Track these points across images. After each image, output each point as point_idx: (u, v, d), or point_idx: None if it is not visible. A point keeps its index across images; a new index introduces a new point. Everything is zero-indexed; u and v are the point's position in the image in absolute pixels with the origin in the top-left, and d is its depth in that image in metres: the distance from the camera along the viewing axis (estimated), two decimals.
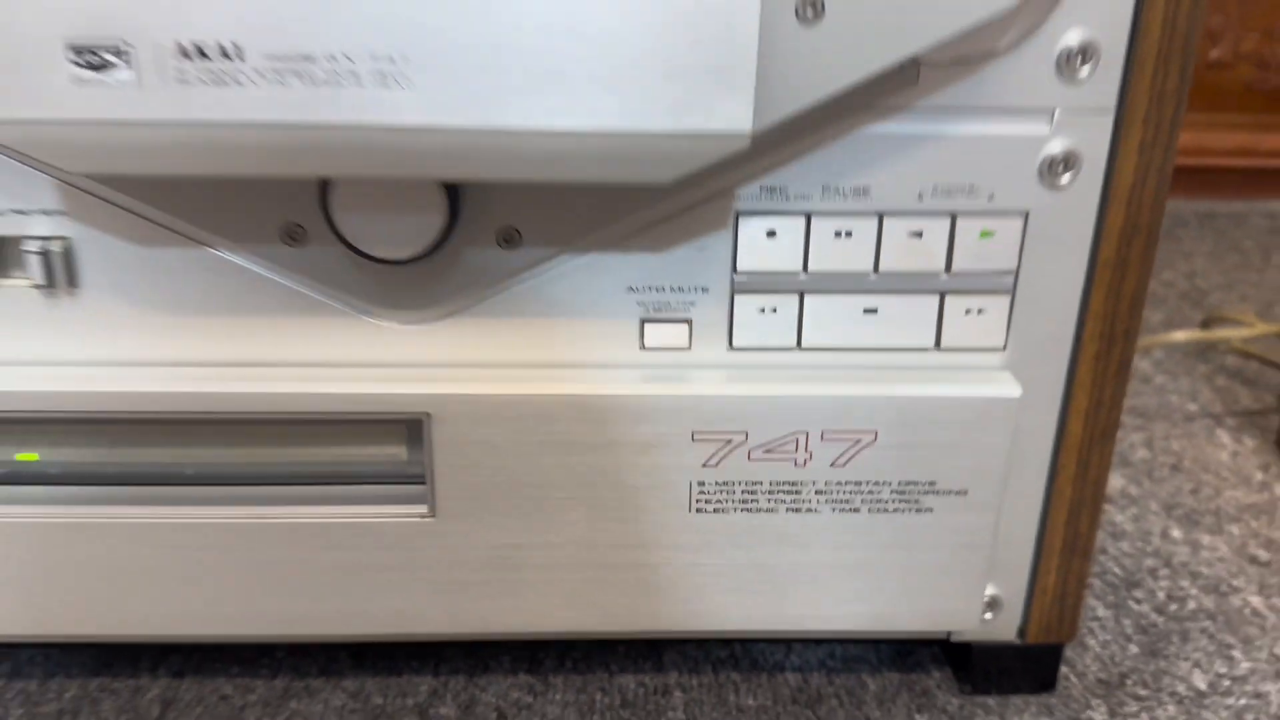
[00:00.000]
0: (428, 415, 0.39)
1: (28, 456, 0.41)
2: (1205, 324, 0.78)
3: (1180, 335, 0.69)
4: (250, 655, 0.48)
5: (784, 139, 0.36)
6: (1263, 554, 0.57)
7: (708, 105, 0.32)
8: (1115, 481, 0.63)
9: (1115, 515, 0.60)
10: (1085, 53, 0.36)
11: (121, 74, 0.31)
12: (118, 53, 0.31)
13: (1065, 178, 0.38)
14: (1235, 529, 0.59)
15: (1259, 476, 0.64)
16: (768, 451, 0.40)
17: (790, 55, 0.33)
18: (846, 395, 0.39)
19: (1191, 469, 0.65)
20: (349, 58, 0.31)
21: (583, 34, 0.31)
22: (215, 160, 0.32)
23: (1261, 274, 0.98)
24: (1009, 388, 0.39)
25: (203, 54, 0.31)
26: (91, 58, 0.31)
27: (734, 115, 0.32)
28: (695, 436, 0.39)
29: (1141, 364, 0.78)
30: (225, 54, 0.31)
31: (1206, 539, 0.58)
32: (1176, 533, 0.58)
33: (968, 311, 0.40)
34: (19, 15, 0.30)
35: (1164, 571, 0.55)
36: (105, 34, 0.31)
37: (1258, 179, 1.21)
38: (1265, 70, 1.20)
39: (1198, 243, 1.05)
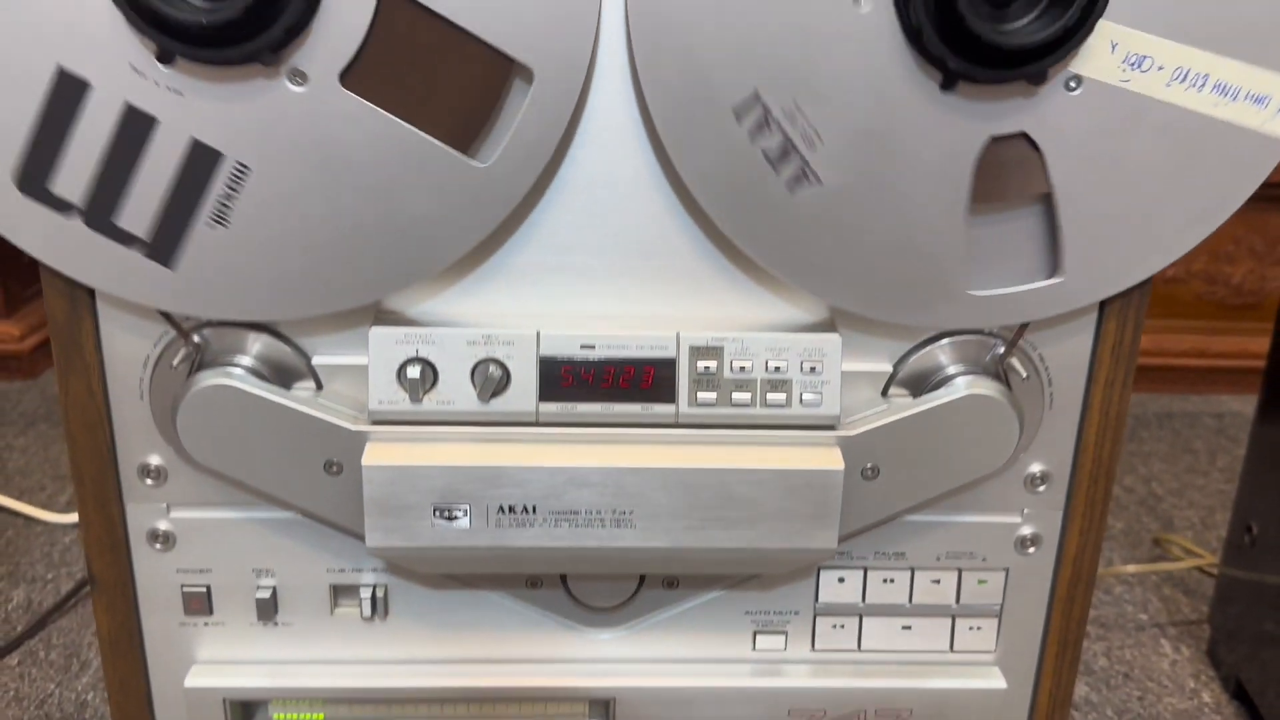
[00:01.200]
0: (614, 698, 0.59)
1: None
2: (1157, 542, 0.99)
3: (1132, 568, 0.90)
4: None
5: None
6: None
7: (810, 535, 0.52)
8: (1080, 689, 0.83)
9: None
10: (1043, 476, 0.57)
11: (462, 522, 0.51)
12: (463, 511, 0.51)
13: (1032, 549, 0.58)
14: None
15: (1191, 684, 0.84)
16: None
17: (859, 499, 0.54)
18: (891, 686, 0.59)
19: (1139, 677, 0.84)
20: (599, 512, 0.51)
21: (736, 498, 0.52)
22: (511, 566, 0.53)
23: (1207, 477, 1.18)
24: (997, 681, 0.59)
25: (512, 511, 0.51)
26: (445, 513, 0.51)
27: (826, 539, 0.53)
28: (790, 713, 0.59)
29: (1105, 575, 0.97)
30: (525, 511, 0.51)
31: None
32: None
33: (970, 628, 0.60)
34: (408, 491, 0.51)
35: None
36: (456, 502, 0.51)
37: (1209, 376, 1.43)
38: (1213, 285, 1.42)
39: (1156, 444, 1.26)
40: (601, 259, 0.52)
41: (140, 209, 0.47)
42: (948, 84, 0.46)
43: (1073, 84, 0.46)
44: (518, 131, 0.47)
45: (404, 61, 0.46)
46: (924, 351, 0.54)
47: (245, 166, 0.46)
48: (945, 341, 0.54)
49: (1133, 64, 0.46)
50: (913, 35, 0.45)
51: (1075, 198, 0.49)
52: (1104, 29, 0.45)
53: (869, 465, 0.53)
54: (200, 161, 0.46)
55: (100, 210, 0.47)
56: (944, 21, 0.43)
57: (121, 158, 0.46)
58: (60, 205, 0.47)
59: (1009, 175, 0.49)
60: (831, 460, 0.52)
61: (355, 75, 0.45)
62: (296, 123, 0.46)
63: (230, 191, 0.47)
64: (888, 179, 0.48)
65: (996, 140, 0.47)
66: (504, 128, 0.47)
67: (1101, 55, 0.46)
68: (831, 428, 0.53)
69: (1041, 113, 0.47)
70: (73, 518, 1.00)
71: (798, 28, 0.45)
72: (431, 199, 0.47)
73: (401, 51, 0.45)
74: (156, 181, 0.46)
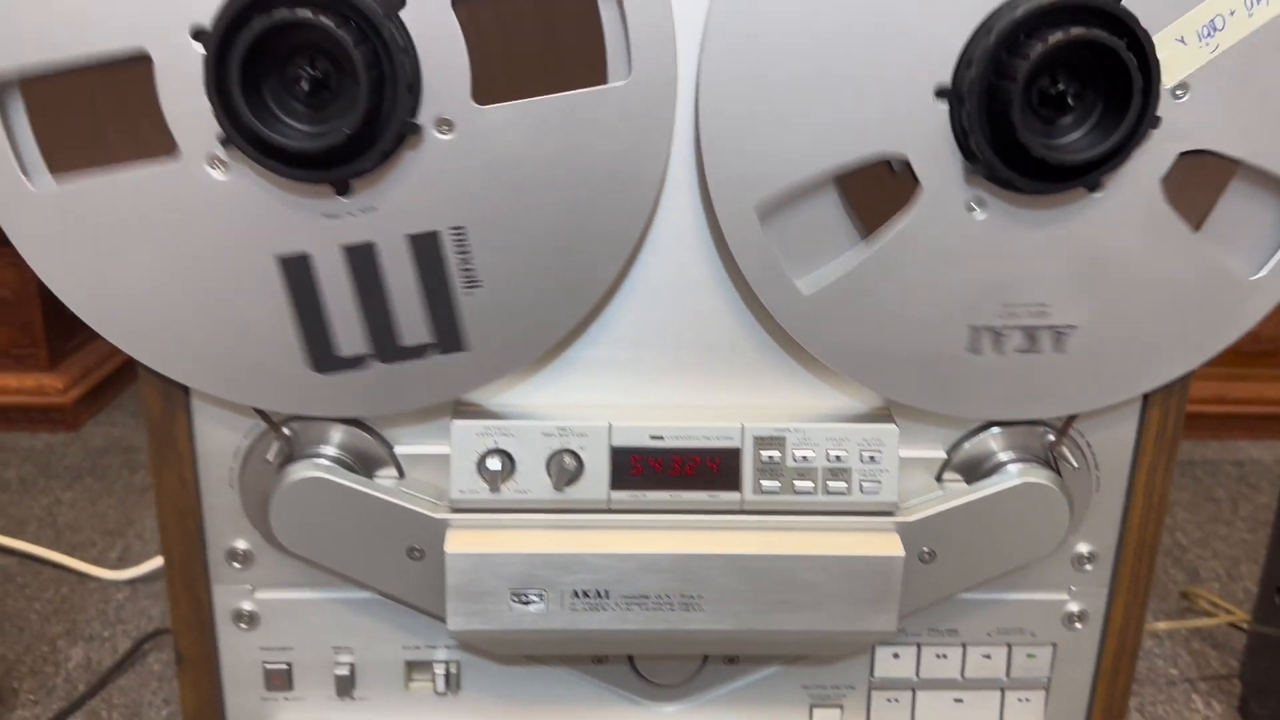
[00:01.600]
0: None
1: None
2: (1185, 596, 1.01)
3: (1163, 625, 0.92)
4: None
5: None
6: None
7: (871, 618, 0.55)
8: None
9: None
10: (1090, 556, 0.59)
11: (538, 606, 0.54)
12: (539, 596, 0.54)
13: (1079, 624, 0.60)
14: None
15: None
16: None
17: (916, 582, 0.56)
18: None
19: None
20: (668, 596, 0.54)
21: (800, 583, 0.54)
22: (584, 647, 0.55)
23: (1231, 526, 1.20)
24: None
25: (586, 595, 0.54)
26: (522, 597, 0.54)
27: (886, 622, 0.55)
28: None
29: None
30: (599, 595, 0.54)
31: None
32: None
33: (1019, 700, 0.62)
34: (488, 578, 0.53)
35: None
36: (532, 587, 0.53)
37: (1229, 422, 1.45)
38: None
39: (1179, 492, 1.28)
40: (669, 354, 0.55)
41: (412, 321, 0.50)
42: (1092, 187, 0.49)
43: (1179, 92, 0.48)
44: (633, 39, 0.47)
45: (508, 47, 0.47)
46: (976, 439, 0.56)
47: (460, 228, 0.49)
48: (996, 429, 0.56)
49: (1207, 34, 0.48)
50: (1040, 191, 0.48)
51: (1263, 146, 0.50)
52: (1162, 39, 0.47)
53: (926, 550, 0.56)
54: (426, 250, 0.49)
55: (386, 344, 0.50)
56: (1050, 175, 0.47)
57: (371, 291, 0.49)
58: (355, 363, 0.50)
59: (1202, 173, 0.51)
60: (891, 546, 0.54)
61: (482, 89, 0.47)
62: (468, 161, 0.48)
63: (464, 255, 0.49)
64: (1123, 273, 0.51)
65: (1165, 178, 0.50)
66: (618, 46, 0.47)
67: (1179, 57, 0.48)
68: (890, 514, 0.55)
69: (1178, 130, 0.49)
70: (126, 574, 1.02)
71: (954, 266, 0.50)
72: (609, 138, 0.48)
73: (501, 41, 0.47)
74: (407, 289, 0.49)
